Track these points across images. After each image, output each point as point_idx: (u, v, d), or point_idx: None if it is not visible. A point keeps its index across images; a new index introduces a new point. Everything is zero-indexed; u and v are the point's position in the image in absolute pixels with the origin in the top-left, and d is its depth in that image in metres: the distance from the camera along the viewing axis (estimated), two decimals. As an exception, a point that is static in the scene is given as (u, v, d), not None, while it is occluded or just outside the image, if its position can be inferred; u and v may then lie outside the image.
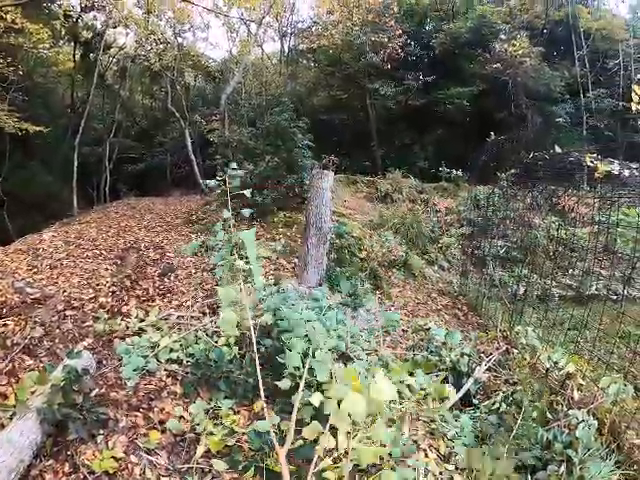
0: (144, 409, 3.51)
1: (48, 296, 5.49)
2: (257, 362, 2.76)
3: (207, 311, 5.16)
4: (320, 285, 4.99)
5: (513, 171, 10.12)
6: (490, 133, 13.32)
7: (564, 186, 8.40)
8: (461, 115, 16.69)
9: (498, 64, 15.70)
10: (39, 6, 14.24)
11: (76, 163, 14.83)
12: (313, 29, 18.76)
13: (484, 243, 9.57)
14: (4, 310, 4.83)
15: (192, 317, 4.73)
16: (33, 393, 3.25)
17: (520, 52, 15.59)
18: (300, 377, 2.93)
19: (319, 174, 4.94)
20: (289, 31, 20.63)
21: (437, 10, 18.48)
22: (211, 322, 4.39)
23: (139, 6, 16.99)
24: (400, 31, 15.69)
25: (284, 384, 3.10)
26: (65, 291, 5.74)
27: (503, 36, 17.46)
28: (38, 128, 13.67)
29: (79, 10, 17.06)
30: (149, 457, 3.05)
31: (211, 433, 3.05)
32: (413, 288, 8.35)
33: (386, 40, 15.55)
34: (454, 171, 13.78)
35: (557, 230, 9.47)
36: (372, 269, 7.80)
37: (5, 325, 4.47)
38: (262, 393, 2.68)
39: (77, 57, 19.04)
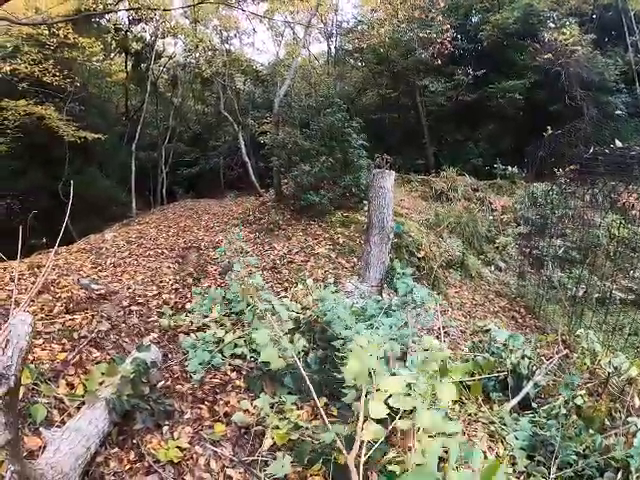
0: (209, 402, 3.58)
1: (113, 292, 5.65)
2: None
3: None
4: (381, 285, 4.98)
5: (572, 167, 9.73)
6: (545, 127, 12.81)
7: (625, 182, 7.99)
8: (514, 109, 16.11)
9: (549, 54, 14.98)
10: (89, 21, 15.01)
11: (134, 168, 15.54)
12: (359, 28, 18.71)
13: (542, 243, 9.22)
14: (71, 305, 4.93)
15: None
16: (101, 384, 3.30)
17: (571, 41, 14.83)
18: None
19: (380, 173, 4.93)
20: (334, 31, 20.67)
21: (482, 1, 17.88)
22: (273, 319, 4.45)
23: (186, 16, 17.57)
24: (448, 25, 15.37)
25: (349, 398, 3.09)
26: (129, 288, 5.92)
27: (552, 24, 16.70)
28: (96, 135, 14.52)
29: (128, 23, 17.92)
30: (214, 448, 3.09)
31: (276, 427, 3.07)
32: (470, 289, 8.19)
33: (434, 35, 15.27)
34: (509, 167, 13.33)
35: (618, 229, 9.00)
36: (430, 269, 7.70)
37: (72, 319, 4.55)
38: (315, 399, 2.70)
39: (129, 68, 20.01)
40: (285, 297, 5.02)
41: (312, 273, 6.54)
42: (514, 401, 4.04)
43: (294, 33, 18.76)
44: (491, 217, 11.24)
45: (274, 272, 6.70)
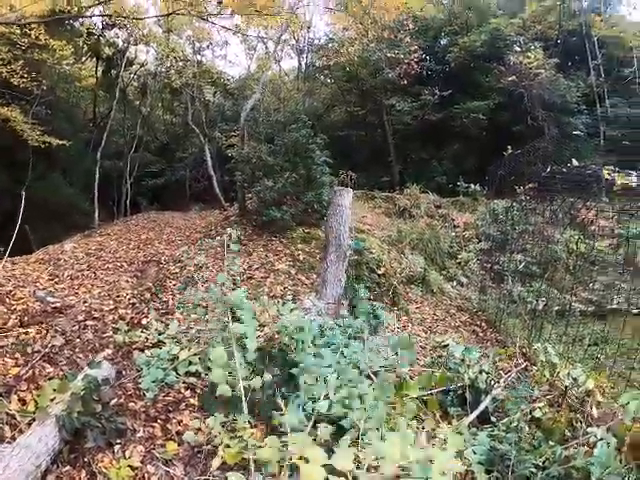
0: (162, 420, 3.54)
1: (69, 306, 5.57)
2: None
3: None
4: (338, 302, 5.01)
5: (531, 185, 10.09)
6: (507, 146, 13.27)
7: (583, 199, 8.32)
8: (478, 129, 16.68)
9: (514, 76, 15.69)
10: (62, 24, 14.71)
11: (98, 176, 15.18)
12: (329, 46, 18.99)
13: (503, 258, 9.47)
14: (25, 318, 4.89)
15: (210, 330, 4.76)
16: (53, 400, 3.27)
17: (535, 64, 15.57)
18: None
19: (339, 192, 4.99)
20: (306, 48, 20.92)
21: (451, 24, 18.55)
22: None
23: (159, 24, 17.44)
24: (416, 46, 15.82)
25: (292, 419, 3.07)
26: (86, 301, 5.82)
27: (518, 48, 17.45)
28: (61, 142, 14.14)
29: (101, 28, 17.59)
30: (165, 468, 3.07)
31: (228, 446, 3.02)
32: (431, 304, 8.32)
33: (402, 56, 15.67)
34: (472, 185, 13.73)
35: (577, 243, 9.34)
36: (390, 285, 7.77)
37: (27, 333, 4.53)
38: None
39: (99, 73, 19.61)
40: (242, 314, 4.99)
41: (271, 289, 6.54)
42: (472, 415, 4.07)
43: (266, 47, 18.87)
44: (453, 233, 11.51)
45: (233, 289, 6.63)
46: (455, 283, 9.65)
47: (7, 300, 5.28)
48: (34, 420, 3.12)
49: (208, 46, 19.71)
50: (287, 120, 11.17)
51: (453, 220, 12.17)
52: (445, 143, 17.72)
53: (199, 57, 19.31)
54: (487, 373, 4.53)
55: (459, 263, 10.31)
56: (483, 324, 7.92)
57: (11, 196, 13.91)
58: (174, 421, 3.52)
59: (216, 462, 2.98)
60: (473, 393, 4.28)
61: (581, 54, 17.73)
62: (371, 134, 19.07)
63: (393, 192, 14.65)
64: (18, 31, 12.49)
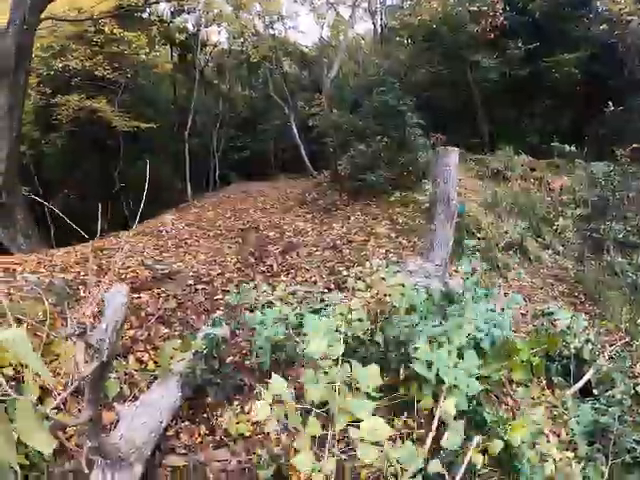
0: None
1: (177, 272, 5.80)
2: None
3: (332, 287, 5.31)
4: (446, 264, 4.96)
5: (634, 145, 9.22)
6: (603, 102, 12.07)
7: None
8: (570, 83, 15.19)
9: (604, 25, 14.16)
10: (132, 16, 15.26)
11: (187, 154, 15.97)
12: (405, 4, 18.22)
13: (602, 226, 8.82)
14: (137, 284, 5.09)
15: (320, 292, 4.90)
16: (172, 359, 3.41)
17: (627, 10, 13.80)
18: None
19: (444, 151, 4.87)
20: (379, 9, 20.20)
21: None
22: (340, 297, 4.50)
23: (228, 3, 17.64)
24: None
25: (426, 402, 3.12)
26: (193, 267, 6.07)
27: None
28: (147, 125, 15.01)
29: (170, 14, 18.15)
30: (284, 421, 3.11)
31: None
32: (529, 272, 7.96)
33: (485, 8, 14.67)
34: (567, 146, 12.70)
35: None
36: (490, 250, 7.56)
37: (139, 298, 4.72)
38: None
39: (175, 58, 20.35)
40: (348, 276, 5.07)
41: (373, 252, 6.52)
42: (577, 386, 4.03)
43: (338, 13, 18.45)
44: (549, 198, 10.81)
45: (335, 251, 6.75)
46: (551, 251, 9.14)
47: (117, 270, 5.45)
48: (154, 379, 3.25)
49: (279, 19, 19.65)
50: (371, 83, 10.97)
51: (549, 184, 11.39)
52: (536, 100, 16.40)
53: (271, 31, 19.34)
54: (593, 344, 4.41)
55: (555, 230, 9.71)
56: (581, 296, 7.47)
57: (106, 181, 15.14)
58: (290, 378, 3.57)
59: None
60: (577, 363, 4.20)
61: (678, -4, 15.45)
62: (456, 93, 18.10)
63: (484, 154, 14.00)
64: (92, 29, 13.31)
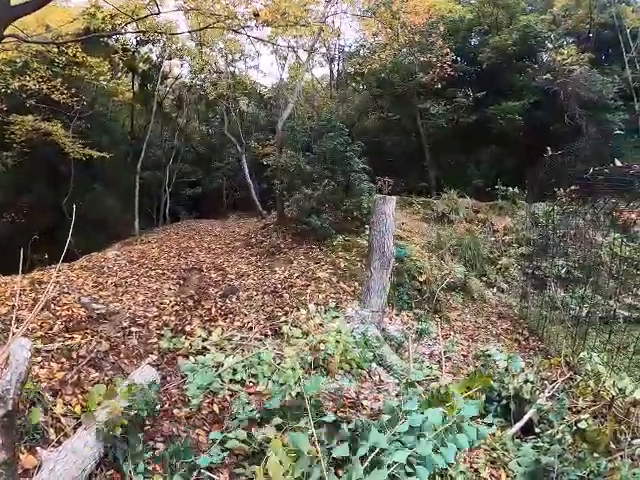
0: (207, 427, 3.55)
1: (113, 312, 5.67)
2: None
3: (269, 333, 5.22)
4: (382, 310, 4.98)
5: (572, 187, 9.76)
6: (545, 147, 12.84)
7: (626, 199, 8.01)
8: (514, 130, 16.17)
9: (548, 74, 15.21)
10: (97, 41, 15.24)
11: (138, 186, 15.65)
12: (360, 52, 19.03)
13: (544, 263, 9.19)
14: (71, 324, 4.98)
15: (255, 339, 4.80)
16: (99, 405, 3.26)
17: (569, 60, 15.07)
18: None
19: (382, 199, 4.97)
20: (337, 56, 21.02)
21: (480, 24, 18.11)
22: (275, 344, 4.43)
23: (192, 39, 17.90)
24: (447, 49, 15.67)
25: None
26: (130, 308, 5.96)
27: (550, 45, 17.05)
28: (101, 154, 14.73)
29: (135, 44, 18.16)
30: (210, 475, 3.04)
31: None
32: (472, 311, 8.17)
33: (434, 59, 15.54)
34: (510, 189, 13.35)
35: (620, 247, 8.99)
36: (432, 292, 7.68)
37: (72, 338, 4.60)
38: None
39: (136, 87, 20.23)
40: (286, 322, 5.02)
41: (313, 297, 6.51)
42: (517, 426, 4.03)
43: (297, 57, 19.08)
44: (493, 238, 11.23)
45: (275, 296, 6.69)
46: (495, 290, 9.42)
47: (52, 306, 5.35)
48: (80, 424, 3.13)
49: (240, 57, 20.06)
50: (323, 128, 11.22)
51: (492, 225, 11.87)
52: (481, 146, 17.34)
53: (232, 69, 19.69)
54: (532, 383, 4.44)
55: (499, 269, 10.05)
56: (525, 332, 7.71)
57: (53, 208, 14.61)
58: (218, 428, 3.51)
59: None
60: (517, 403, 4.22)
61: (615, 47, 16.92)
62: (406, 139, 18.89)
63: (430, 197, 14.46)
64: (55, 49, 13.13)
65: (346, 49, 20.68)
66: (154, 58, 19.26)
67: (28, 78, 13.09)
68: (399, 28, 15.16)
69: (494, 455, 3.59)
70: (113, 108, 20.05)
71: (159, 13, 13.00)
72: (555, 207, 9.46)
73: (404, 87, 17.05)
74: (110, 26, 12.96)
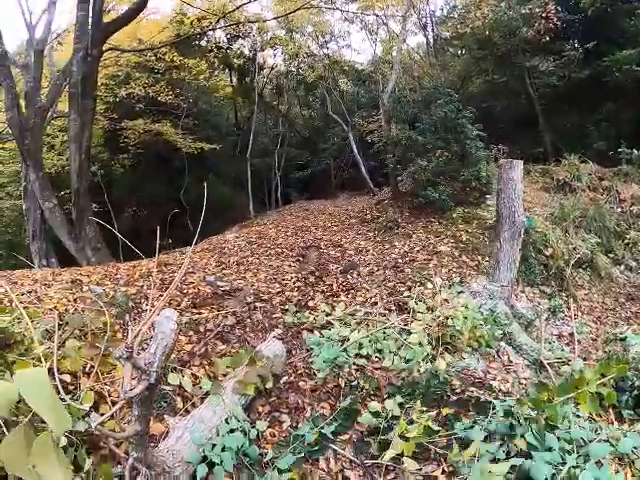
0: (332, 400, 3.63)
1: (238, 289, 5.87)
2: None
3: (393, 308, 5.18)
4: (512, 285, 4.74)
5: None
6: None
7: None
8: (633, 82, 14.00)
9: None
10: (191, 44, 16.28)
11: (249, 173, 16.52)
12: (455, 14, 17.93)
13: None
14: (198, 300, 5.21)
15: (379, 314, 4.82)
16: (226, 376, 3.50)
17: None
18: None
19: (508, 164, 4.67)
20: (429, 21, 19.98)
21: None
22: (400, 319, 4.41)
23: (282, 27, 18.14)
24: None
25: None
26: (253, 285, 6.15)
27: None
28: (211, 146, 15.78)
29: (227, 41, 18.91)
30: (335, 447, 3.09)
31: (402, 434, 2.99)
32: (600, 291, 7.50)
33: (536, 10, 14.12)
34: (635, 151, 11.82)
35: None
36: (558, 268, 7.18)
37: (199, 313, 4.82)
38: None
39: (234, 82, 21.22)
40: (410, 297, 4.97)
41: (436, 272, 6.31)
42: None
43: (388, 29, 18.44)
44: (619, 209, 10.07)
45: (396, 271, 6.59)
46: (623, 267, 8.51)
47: (179, 285, 5.58)
48: (207, 395, 3.24)
49: (331, 38, 19.92)
50: (430, 96, 10.78)
51: (618, 193, 10.59)
52: (599, 104, 15.39)
53: (325, 50, 19.66)
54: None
55: (627, 244, 9.00)
56: (657, 316, 6.91)
57: (172, 199, 15.95)
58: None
59: (390, 452, 2.95)
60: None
61: None
62: (515, 102, 17.48)
63: (548, 164, 13.33)
64: (153, 58, 14.28)
65: (438, 13, 19.61)
66: (247, 52, 19.91)
67: (133, 85, 14.43)
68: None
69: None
70: (216, 103, 21.18)
71: (240, 6, 13.51)
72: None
73: (507, 45, 15.68)
74: (199, 29, 13.73)
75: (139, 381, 1.95)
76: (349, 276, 6.63)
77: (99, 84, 12.10)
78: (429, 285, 4.93)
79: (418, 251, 7.48)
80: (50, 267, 8.99)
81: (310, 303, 5.59)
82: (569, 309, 6.11)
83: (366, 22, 18.24)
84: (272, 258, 7.92)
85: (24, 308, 3.15)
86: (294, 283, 6.37)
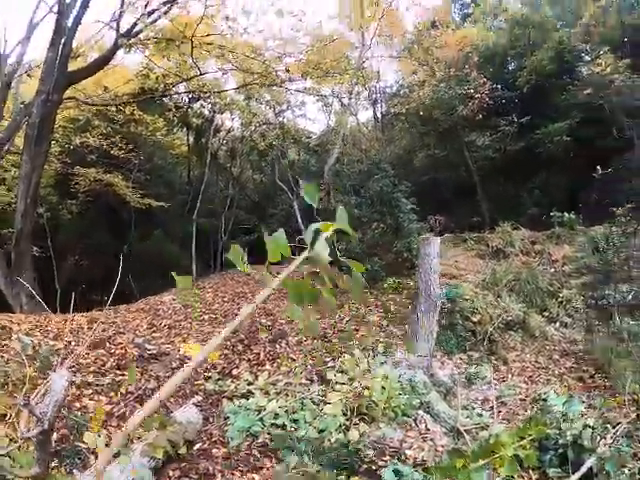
0: (242, 469, 3.58)
1: (164, 353, 5.91)
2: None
3: (315, 379, 5.20)
4: (431, 354, 4.85)
5: (630, 205, 9.20)
6: (596, 166, 12.21)
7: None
8: (563, 151, 15.54)
9: (589, 89, 14.83)
10: (152, 99, 16.44)
11: (195, 234, 16.41)
12: (401, 92, 19.34)
13: (608, 291, 8.58)
14: (123, 362, 5.24)
15: (300, 384, 4.81)
16: (139, 438, 3.40)
17: (607, 70, 14.74)
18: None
19: (425, 241, 4.94)
20: (379, 97, 21.41)
21: (514, 47, 18.04)
22: (319, 390, 4.42)
23: (240, 92, 18.93)
24: (484, 79, 15.67)
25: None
26: (180, 350, 6.08)
27: (587, 57, 16.76)
28: (159, 203, 15.73)
29: (187, 100, 19.40)
30: None
31: None
32: (533, 350, 7.71)
33: (472, 91, 15.54)
34: (566, 214, 12.70)
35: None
36: (486, 333, 7.37)
37: (122, 375, 4.85)
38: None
39: (190, 141, 21.50)
40: (332, 367, 5.01)
41: (362, 342, 6.43)
42: (574, 478, 3.68)
43: (342, 103, 19.59)
44: (552, 269, 10.65)
45: (324, 341, 6.69)
46: (558, 324, 8.85)
47: (107, 344, 5.67)
48: (118, 454, 3.21)
49: (287, 107, 20.85)
50: (370, 170, 11.32)
51: (550, 255, 11.30)
52: (531, 172, 16.76)
53: (280, 119, 20.50)
54: (592, 428, 4.08)
55: (561, 302, 9.43)
56: (590, 369, 7.12)
57: (115, 252, 15.59)
58: (255, 470, 3.54)
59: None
60: (576, 451, 3.88)
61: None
62: (455, 174, 18.69)
63: (484, 232, 14.02)
64: (114, 108, 14.46)
65: (387, 90, 21.08)
66: (206, 113, 20.50)
67: (89, 135, 14.46)
68: (434, 64, 15.39)
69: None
70: (170, 160, 21.38)
71: (202, 74, 14.17)
72: (614, 229, 8.97)
73: (447, 122, 17.04)
74: (162, 85, 14.21)
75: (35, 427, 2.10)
76: (277, 345, 6.65)
77: (57, 126, 12.11)
78: (353, 355, 4.97)
79: (348, 321, 7.61)
80: (-22, 307, 8.49)
81: (234, 371, 5.59)
82: (497, 372, 6.22)
83: (322, 94, 19.31)
84: (205, 323, 7.89)
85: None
86: (221, 350, 6.30)
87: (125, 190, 15.04)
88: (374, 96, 20.81)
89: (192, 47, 12.15)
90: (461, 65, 16.15)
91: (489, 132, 16.88)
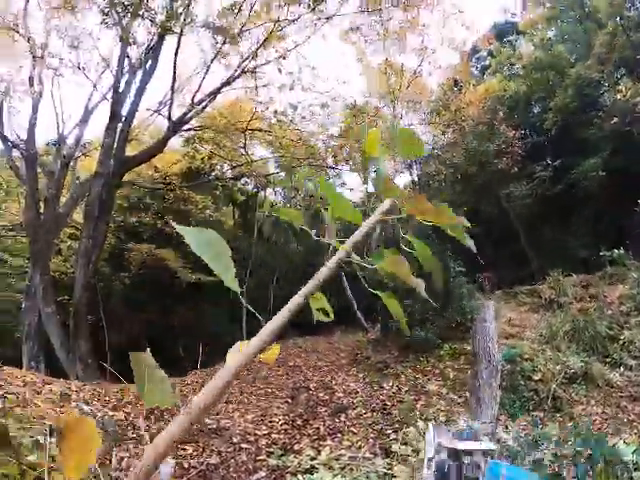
0: None
1: (224, 428, 5.94)
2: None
3: (379, 452, 5.20)
4: (495, 420, 4.81)
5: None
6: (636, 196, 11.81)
7: None
8: (598, 186, 15.11)
9: (614, 118, 14.62)
10: (199, 178, 17.54)
11: (244, 306, 16.73)
12: (434, 152, 19.84)
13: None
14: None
15: (364, 458, 4.83)
16: None
17: (628, 94, 14.45)
18: None
19: (480, 306, 5.06)
20: (413, 161, 21.96)
21: (534, 92, 18.24)
22: (384, 464, 4.45)
23: (279, 170, 19.98)
24: (513, 131, 15.91)
25: None
26: (240, 425, 6.20)
27: (606, 85, 16.62)
28: (209, 278, 16.20)
29: (232, 179, 20.66)
30: None
31: None
32: (599, 401, 7.37)
33: (503, 146, 15.76)
34: (615, 251, 11.89)
35: None
36: (549, 390, 7.17)
37: (184, 449, 4.88)
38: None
39: (237, 216, 22.57)
40: (395, 440, 5.02)
41: (423, 413, 6.39)
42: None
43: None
44: (609, 311, 10.17)
45: (384, 413, 6.70)
46: (622, 369, 8.39)
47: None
48: None
49: (328, 179, 21.67)
50: (414, 234, 11.46)
51: (605, 297, 10.84)
52: (570, 213, 16.45)
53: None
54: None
55: (623, 344, 8.98)
56: (662, 411, 6.72)
57: (166, 322, 16.08)
58: None
59: None
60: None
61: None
62: (496, 227, 18.55)
63: (534, 283, 13.65)
64: (165, 188, 15.78)
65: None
66: (250, 189, 21.62)
67: (143, 214, 15.70)
68: (462, 121, 15.84)
69: None
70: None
71: (253, 161, 15.17)
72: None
73: (482, 177, 17.17)
74: (208, 165, 15.26)
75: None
76: (337, 419, 6.69)
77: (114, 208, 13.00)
78: (416, 427, 4.98)
79: (406, 391, 7.61)
80: (38, 371, 8.86)
81: (296, 446, 5.63)
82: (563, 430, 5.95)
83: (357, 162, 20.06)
84: (261, 398, 7.96)
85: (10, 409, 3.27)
86: (281, 425, 6.39)
87: (175, 265, 15.81)
88: (408, 160, 21.39)
89: (245, 140, 13.08)
90: (488, 120, 16.50)
91: (525, 181, 16.84)
